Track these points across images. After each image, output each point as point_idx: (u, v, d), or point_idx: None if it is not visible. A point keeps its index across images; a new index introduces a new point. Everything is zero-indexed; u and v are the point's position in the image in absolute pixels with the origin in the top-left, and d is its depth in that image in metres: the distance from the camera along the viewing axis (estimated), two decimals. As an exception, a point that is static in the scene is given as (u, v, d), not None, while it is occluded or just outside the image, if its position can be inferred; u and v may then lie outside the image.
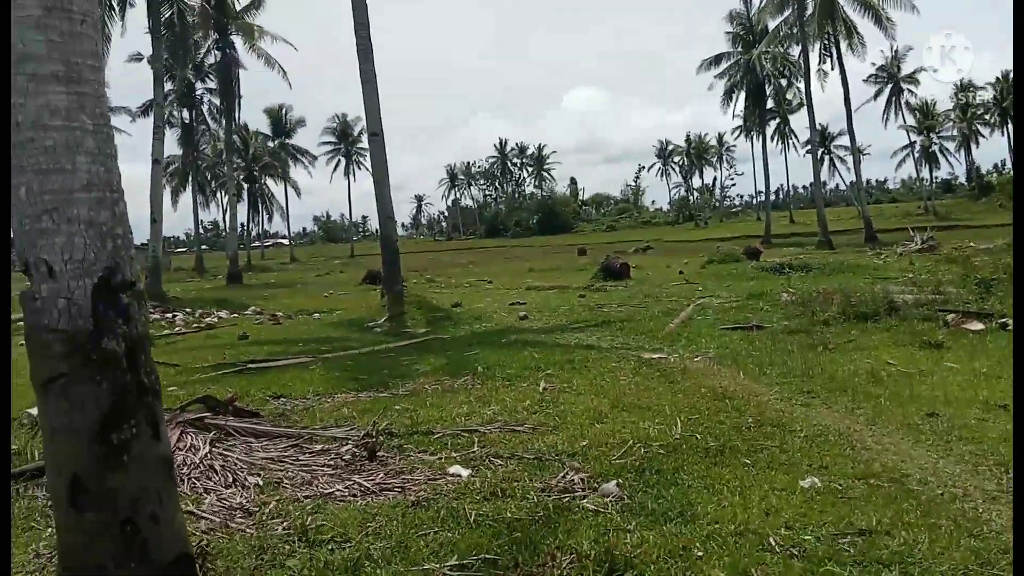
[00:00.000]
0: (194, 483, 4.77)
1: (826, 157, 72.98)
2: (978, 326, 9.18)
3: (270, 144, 69.76)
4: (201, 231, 73.37)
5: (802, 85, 45.07)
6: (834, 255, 29.02)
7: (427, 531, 3.81)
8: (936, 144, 74.09)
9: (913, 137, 72.05)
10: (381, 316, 15.91)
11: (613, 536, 3.59)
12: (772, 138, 67.72)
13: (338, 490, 4.69)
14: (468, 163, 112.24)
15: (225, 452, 5.31)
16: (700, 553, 3.44)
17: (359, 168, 77.02)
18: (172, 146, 50.69)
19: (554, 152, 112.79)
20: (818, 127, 51.45)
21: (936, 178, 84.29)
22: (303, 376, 8.97)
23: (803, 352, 8.52)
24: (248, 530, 3.99)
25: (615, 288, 19.40)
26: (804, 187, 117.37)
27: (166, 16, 29.19)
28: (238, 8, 37.96)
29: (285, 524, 4.00)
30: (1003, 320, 9.16)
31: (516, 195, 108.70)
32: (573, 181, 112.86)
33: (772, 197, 70.60)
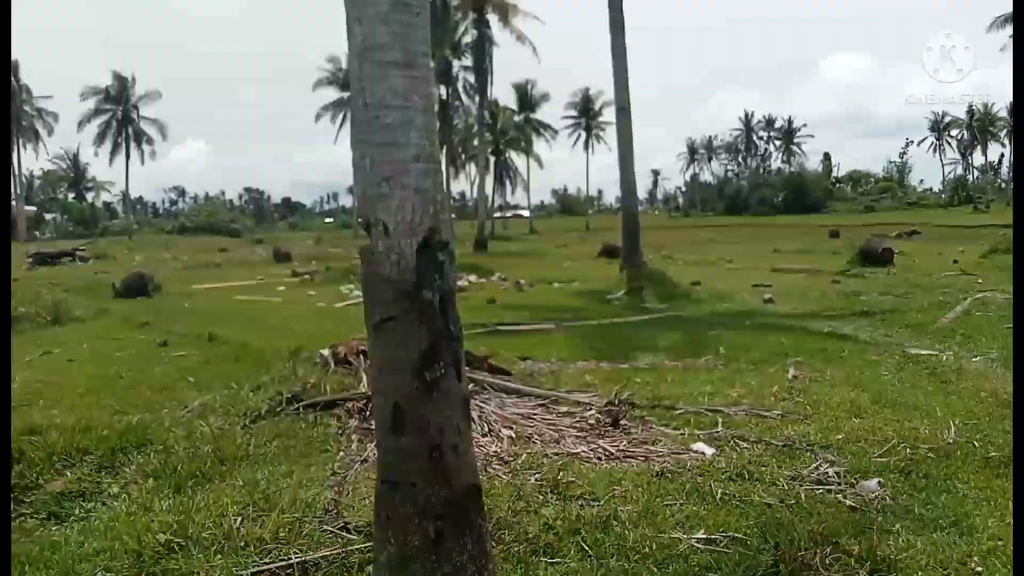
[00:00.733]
0: (457, 428, 5.27)
1: None
2: None
3: (515, 118, 72.78)
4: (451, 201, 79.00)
5: None
6: None
7: (672, 502, 3.87)
8: None
9: None
10: (619, 289, 16.12)
11: (875, 536, 3.39)
12: (1087, 108, 56.44)
13: (583, 451, 4.92)
14: (710, 136, 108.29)
15: (481, 404, 5.77)
16: (979, 569, 3.13)
17: (598, 142, 77.71)
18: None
19: (804, 125, 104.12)
20: None
21: None
22: (547, 341, 9.43)
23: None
24: (504, 476, 4.35)
25: (875, 275, 17.70)
26: None
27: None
28: (495, -12, 39.86)
29: (537, 476, 4.29)
30: None
31: (761, 170, 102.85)
32: (826, 156, 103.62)
33: (1081, 179, 58.97)
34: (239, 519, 3.60)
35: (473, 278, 20.87)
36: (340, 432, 5.35)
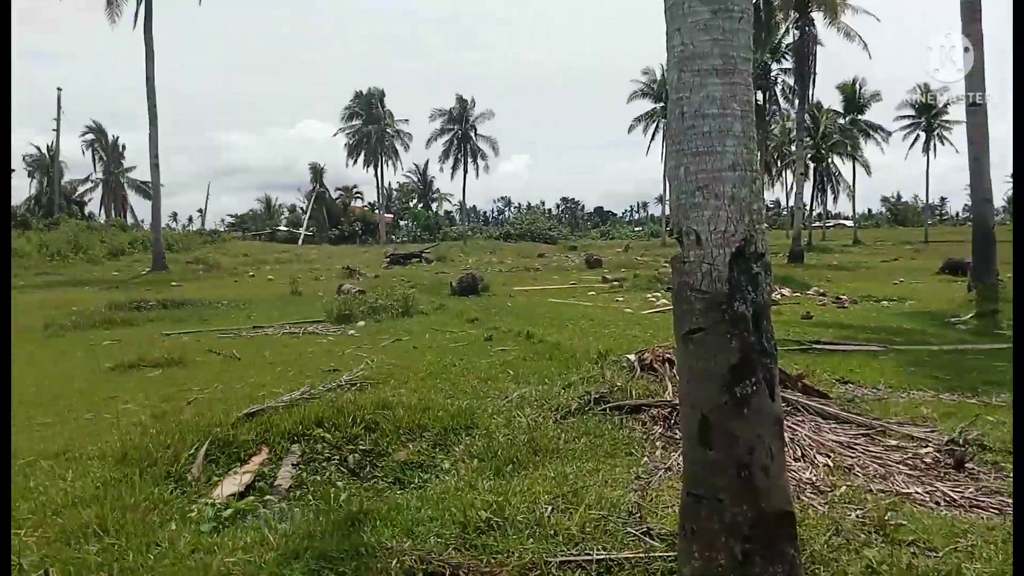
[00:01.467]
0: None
1: None
2: None
3: (840, 121, 66.58)
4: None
5: None
6: None
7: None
8: None
9: None
10: (965, 311, 13.90)
11: None
12: None
13: (916, 493, 4.34)
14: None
15: (793, 427, 5.40)
16: None
17: (941, 143, 67.54)
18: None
19: None
20: None
21: None
22: (872, 365, 8.49)
23: None
24: (819, 507, 4.02)
25: None
26: None
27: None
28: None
29: (858, 512, 3.89)
30: None
31: None
32: None
33: None
34: (549, 508, 3.84)
35: (786, 291, 19.61)
36: (644, 437, 5.41)
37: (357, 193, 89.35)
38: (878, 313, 15.06)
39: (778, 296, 18.54)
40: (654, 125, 63.40)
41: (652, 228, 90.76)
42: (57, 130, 59.05)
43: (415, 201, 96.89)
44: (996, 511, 3.99)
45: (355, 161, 76.72)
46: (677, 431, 5.40)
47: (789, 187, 61.38)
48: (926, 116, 67.85)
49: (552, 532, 3.58)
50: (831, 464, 4.77)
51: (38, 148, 69.92)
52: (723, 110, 2.31)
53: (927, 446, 5.09)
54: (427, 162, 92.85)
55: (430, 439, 5.41)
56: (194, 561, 3.26)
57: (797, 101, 42.78)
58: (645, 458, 4.95)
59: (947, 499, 4.20)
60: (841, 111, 66.46)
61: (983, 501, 4.16)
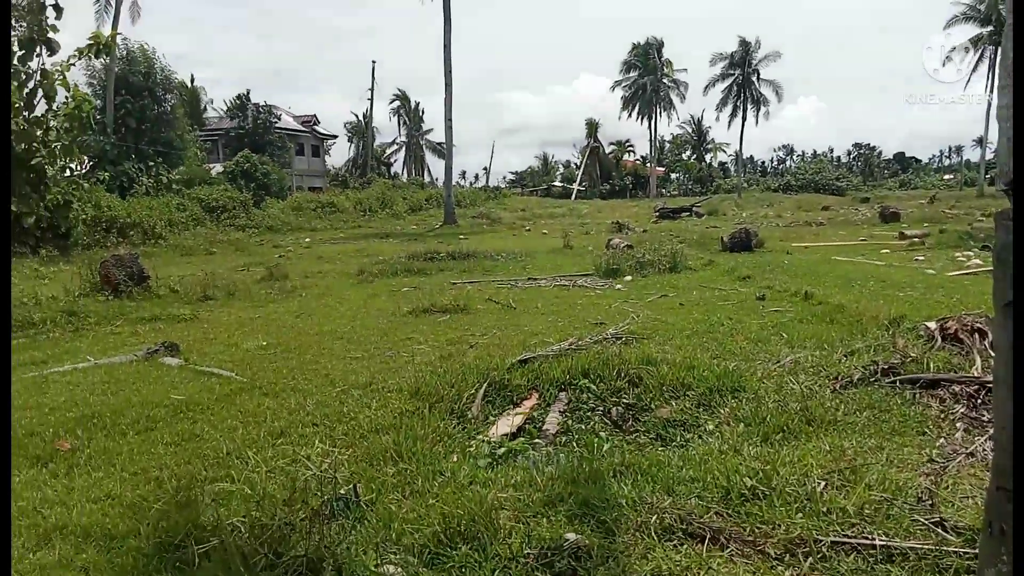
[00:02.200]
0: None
1: None
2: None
3: None
4: None
5: None
6: None
7: None
8: None
9: None
10: None
11: None
12: None
13: None
14: None
15: None
16: None
17: None
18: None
19: None
20: None
21: None
22: None
23: None
24: None
25: None
26: None
27: None
28: None
29: None
30: None
31: None
32: None
33: None
34: (823, 483, 3.57)
35: None
36: (942, 416, 4.77)
37: (629, 147, 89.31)
38: None
39: None
40: (977, 55, 54.06)
41: (967, 176, 78.29)
42: (371, 99, 67.74)
43: (688, 153, 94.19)
44: None
45: (629, 114, 76.58)
46: (985, 412, 4.69)
47: None
48: None
49: (825, 509, 3.32)
50: None
51: (356, 116, 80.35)
52: None
53: None
54: (703, 112, 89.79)
55: (694, 398, 5.31)
56: (472, 492, 3.58)
57: None
58: (941, 439, 4.37)
59: None
60: None
61: None
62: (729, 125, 72.67)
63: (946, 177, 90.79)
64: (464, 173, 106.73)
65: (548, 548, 3.02)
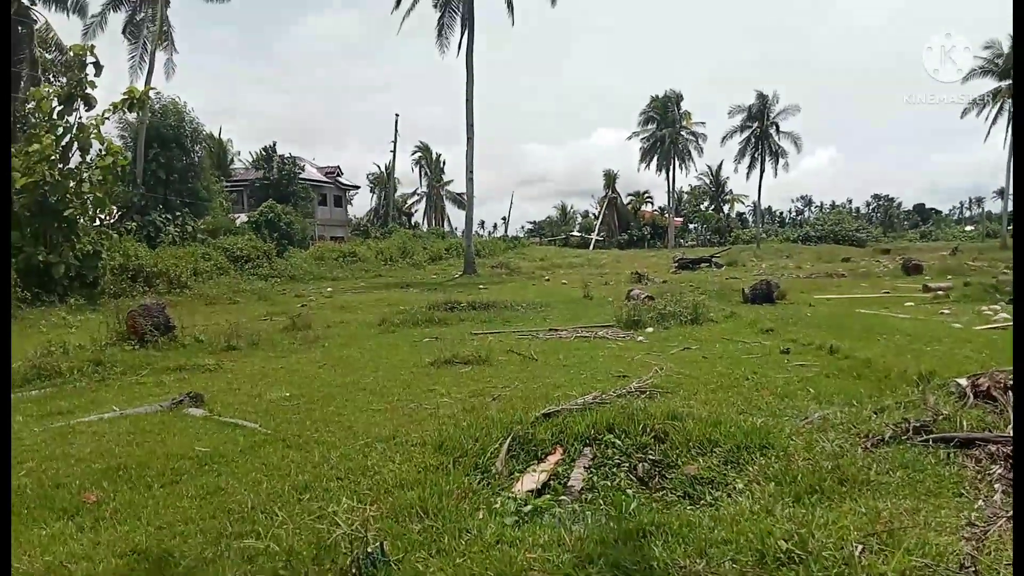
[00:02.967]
0: None
1: None
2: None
3: None
4: None
5: None
6: None
7: None
8: None
9: None
10: None
11: None
12: None
13: None
14: None
15: None
16: None
17: None
18: None
19: None
20: None
21: None
22: None
23: None
24: None
25: None
26: None
27: None
28: None
29: None
30: None
31: None
32: None
33: None
34: (860, 547, 3.48)
35: None
36: (978, 477, 4.64)
37: (648, 197, 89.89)
38: None
39: None
40: (996, 107, 54.27)
41: (989, 227, 77.68)
42: (394, 151, 68.79)
43: (706, 203, 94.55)
44: None
45: (648, 165, 77.43)
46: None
47: None
48: None
49: (864, 575, 3.23)
50: None
51: (378, 167, 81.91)
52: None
53: None
54: (720, 163, 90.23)
55: (721, 455, 5.22)
56: (499, 552, 3.53)
57: None
58: (979, 501, 4.24)
59: None
60: None
61: None
62: (747, 176, 73.04)
63: (967, 228, 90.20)
64: (483, 223, 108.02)
65: (579, 612, 2.96)
